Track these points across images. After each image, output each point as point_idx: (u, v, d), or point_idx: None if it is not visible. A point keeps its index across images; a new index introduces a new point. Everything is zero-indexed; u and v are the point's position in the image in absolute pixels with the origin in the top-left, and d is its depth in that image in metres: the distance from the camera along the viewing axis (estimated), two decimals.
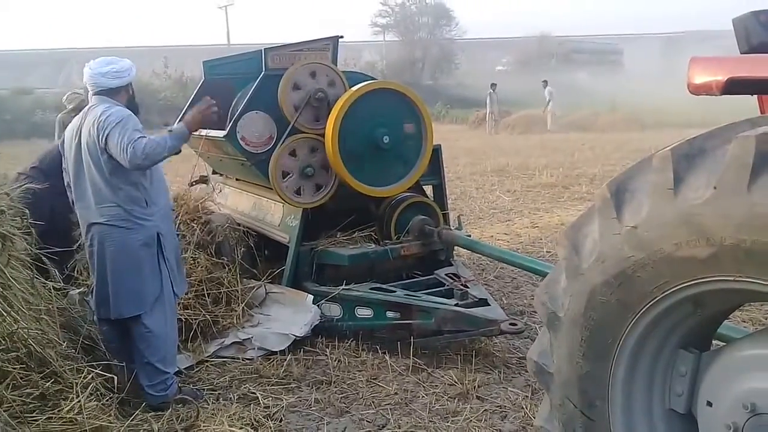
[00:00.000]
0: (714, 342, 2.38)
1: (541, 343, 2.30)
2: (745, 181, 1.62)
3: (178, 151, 4.09)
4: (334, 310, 4.96)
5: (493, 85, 26.59)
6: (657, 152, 1.90)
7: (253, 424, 3.76)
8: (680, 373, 2.03)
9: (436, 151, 5.61)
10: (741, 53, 2.17)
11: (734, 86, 1.94)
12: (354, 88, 5.09)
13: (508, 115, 27.41)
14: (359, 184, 5.17)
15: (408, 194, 5.46)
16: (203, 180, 6.85)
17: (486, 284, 6.17)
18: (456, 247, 5.64)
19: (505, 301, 5.78)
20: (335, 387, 4.30)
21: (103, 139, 3.78)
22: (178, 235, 4.58)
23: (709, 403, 1.91)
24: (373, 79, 5.52)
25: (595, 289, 2.02)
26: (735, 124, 1.82)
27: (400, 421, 3.84)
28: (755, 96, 2.30)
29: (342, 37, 5.31)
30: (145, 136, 3.77)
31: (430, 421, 3.82)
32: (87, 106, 4.04)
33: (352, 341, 4.86)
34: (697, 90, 2.02)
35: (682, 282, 1.82)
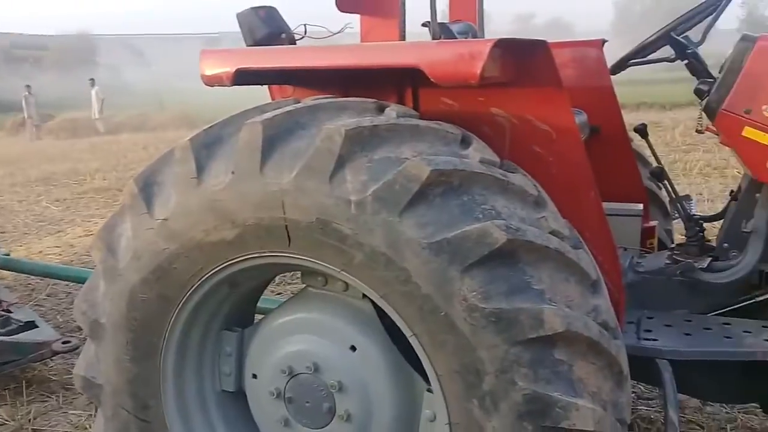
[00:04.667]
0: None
1: (86, 356, 2.14)
2: (257, 164, 1.74)
3: None
4: None
5: (28, 87, 24.05)
6: (178, 144, 1.92)
7: None
8: (227, 354, 2.11)
9: None
10: (247, 46, 2.32)
11: (243, 77, 2.06)
12: None
13: (52, 119, 25.17)
14: None
15: None
16: None
17: (37, 305, 5.55)
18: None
19: (60, 319, 5.27)
20: None
21: None
22: None
23: (255, 376, 2.03)
24: None
25: (134, 288, 1.96)
26: (246, 112, 1.94)
27: None
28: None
29: None
30: None
31: None
32: None
33: None
34: (210, 81, 2.10)
35: (216, 266, 1.87)
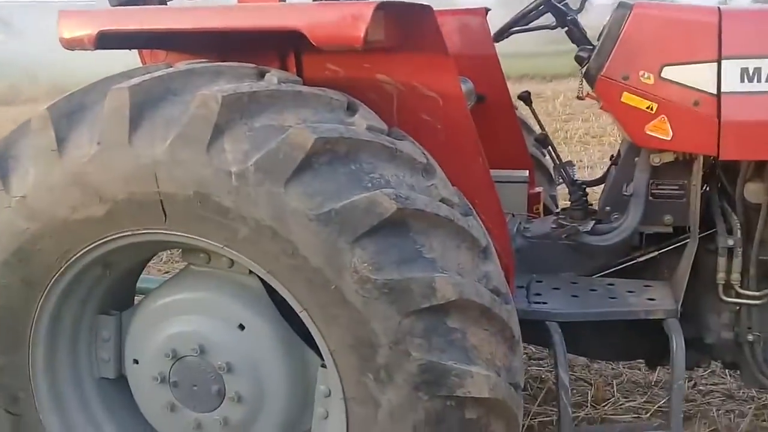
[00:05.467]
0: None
1: None
2: (125, 134, 1.60)
3: None
4: None
5: None
6: (35, 113, 1.73)
7: None
8: (104, 339, 1.96)
9: None
10: (112, 6, 2.13)
11: (107, 40, 1.88)
12: None
13: None
14: None
15: None
16: None
17: None
18: None
19: None
20: None
21: None
22: None
23: (136, 361, 1.90)
24: None
25: None
26: (111, 77, 1.78)
27: None
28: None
29: None
30: None
31: None
32: None
33: None
34: (70, 44, 1.90)
35: (85, 246, 1.72)
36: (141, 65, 2.19)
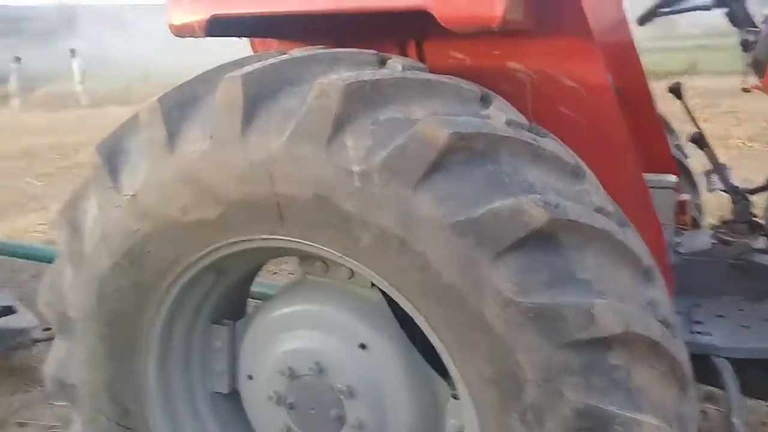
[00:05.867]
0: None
1: (57, 354, 1.87)
2: (238, 127, 1.44)
3: None
4: None
5: (17, 59, 23.50)
6: (145, 104, 1.62)
7: None
8: (217, 350, 1.82)
9: None
10: None
11: (218, 26, 1.75)
12: None
13: (34, 91, 24.59)
14: None
15: None
16: None
17: (20, 286, 5.28)
18: None
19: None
20: None
21: None
22: None
23: (250, 377, 1.75)
24: None
25: (105, 276, 1.67)
26: (224, 66, 1.64)
27: None
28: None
29: None
30: None
31: None
32: None
33: None
34: (179, 31, 1.79)
35: (198, 250, 1.59)
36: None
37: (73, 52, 24.16)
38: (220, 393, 1.86)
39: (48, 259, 3.81)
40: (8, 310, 3.91)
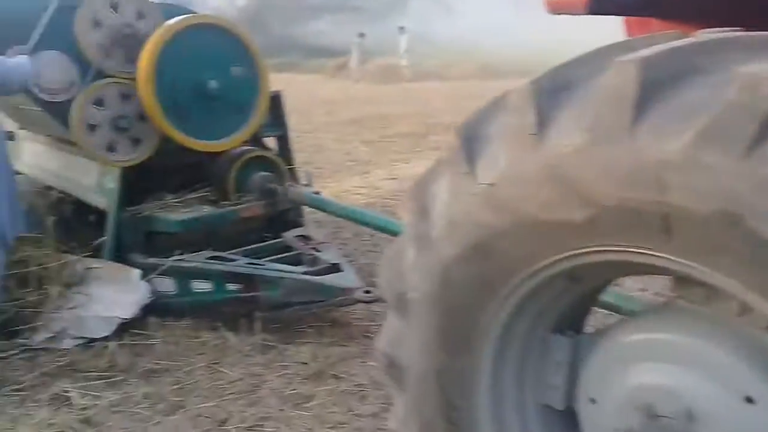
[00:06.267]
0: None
1: (389, 330, 1.87)
2: (627, 121, 1.23)
3: None
4: (167, 285, 4.32)
5: (362, 35, 26.12)
6: (514, 87, 1.48)
7: None
8: (556, 362, 1.66)
9: (276, 99, 5.01)
10: None
11: (601, 4, 1.54)
12: (171, 22, 4.37)
13: (365, 64, 27.04)
14: (184, 138, 4.48)
15: (247, 148, 4.85)
16: (10, 137, 5.83)
17: (343, 244, 5.75)
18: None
19: (363, 261, 5.37)
20: (169, 377, 3.72)
21: None
22: None
23: (593, 401, 1.55)
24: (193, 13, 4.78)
25: (448, 264, 1.60)
26: (608, 48, 1.43)
27: (244, 414, 3.34)
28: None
29: None
30: None
31: (280, 410, 3.35)
32: None
33: (189, 320, 4.26)
34: (556, 8, 1.62)
35: (554, 253, 1.43)
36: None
37: (401, 29, 25.96)
38: (551, 407, 1.70)
39: (392, 232, 3.98)
40: (336, 268, 4.23)
